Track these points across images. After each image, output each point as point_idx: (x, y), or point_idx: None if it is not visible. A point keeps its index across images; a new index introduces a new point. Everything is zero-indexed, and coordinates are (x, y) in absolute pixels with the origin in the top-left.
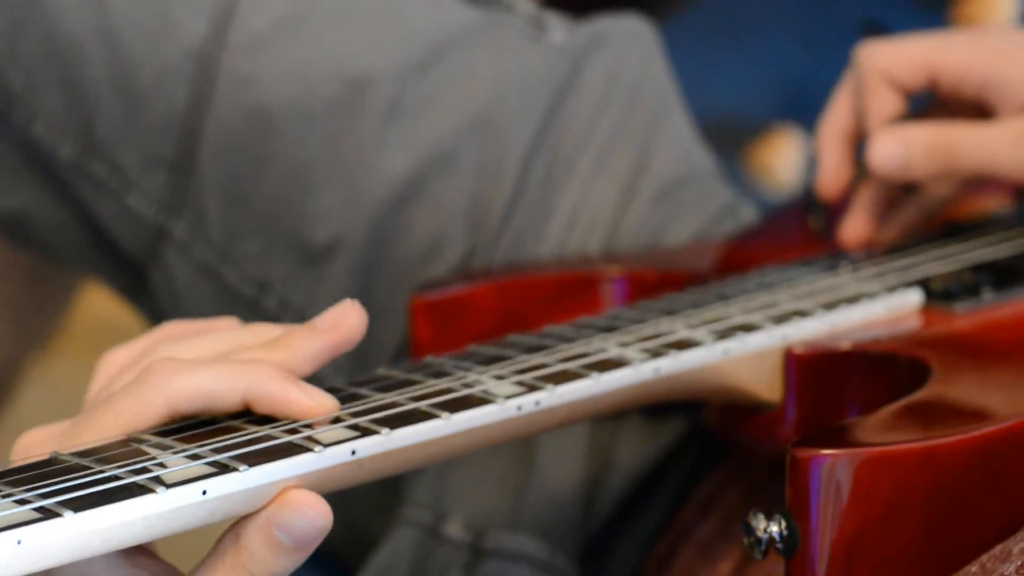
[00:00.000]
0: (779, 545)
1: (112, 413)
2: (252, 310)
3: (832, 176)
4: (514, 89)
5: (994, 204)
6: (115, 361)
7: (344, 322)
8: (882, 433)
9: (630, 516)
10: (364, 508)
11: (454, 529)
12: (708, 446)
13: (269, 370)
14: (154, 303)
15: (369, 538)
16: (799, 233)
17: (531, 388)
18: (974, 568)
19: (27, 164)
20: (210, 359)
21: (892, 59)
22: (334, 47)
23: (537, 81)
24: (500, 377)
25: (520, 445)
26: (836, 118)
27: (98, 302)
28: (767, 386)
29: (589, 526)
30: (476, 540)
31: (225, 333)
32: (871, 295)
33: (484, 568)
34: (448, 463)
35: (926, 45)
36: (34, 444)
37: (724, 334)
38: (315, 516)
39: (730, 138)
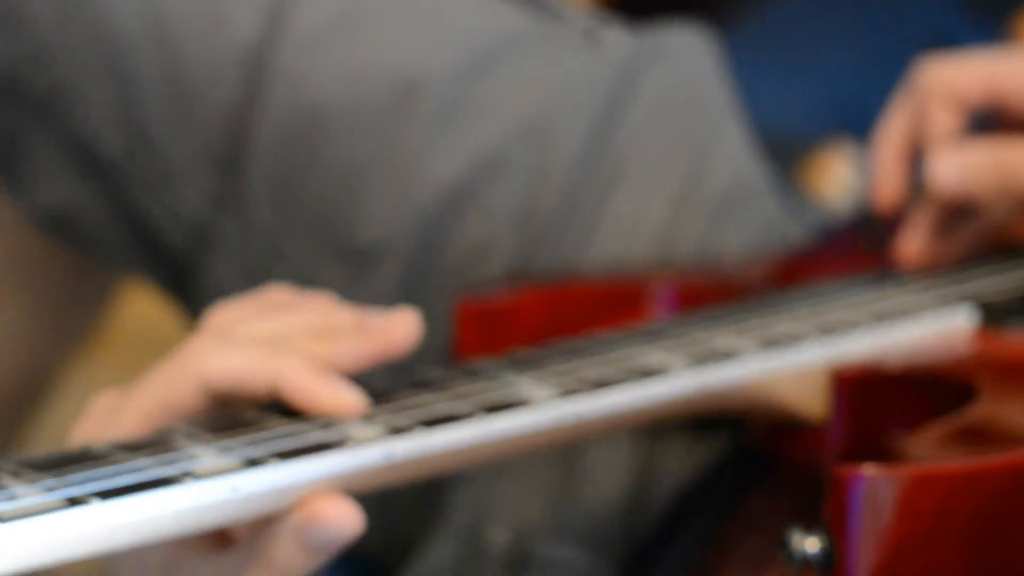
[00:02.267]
0: (816, 562)
1: (147, 385)
2: None
3: (887, 192)
4: (566, 97)
5: None
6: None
7: (397, 331)
8: (926, 452)
9: (673, 529)
10: (405, 512)
11: (496, 535)
12: (752, 461)
13: (302, 363)
14: (198, 302)
15: (408, 541)
16: (852, 250)
17: (571, 392)
18: None
19: (72, 159)
20: (252, 340)
21: (955, 76)
22: (387, 49)
23: (589, 90)
24: (540, 380)
25: (564, 455)
26: (893, 133)
27: (140, 308)
28: (812, 404)
29: (632, 538)
30: (519, 547)
31: (295, 313)
32: (921, 310)
33: (527, 573)
34: (492, 470)
35: (989, 63)
36: (102, 406)
37: (769, 342)
38: (345, 525)
39: (784, 153)
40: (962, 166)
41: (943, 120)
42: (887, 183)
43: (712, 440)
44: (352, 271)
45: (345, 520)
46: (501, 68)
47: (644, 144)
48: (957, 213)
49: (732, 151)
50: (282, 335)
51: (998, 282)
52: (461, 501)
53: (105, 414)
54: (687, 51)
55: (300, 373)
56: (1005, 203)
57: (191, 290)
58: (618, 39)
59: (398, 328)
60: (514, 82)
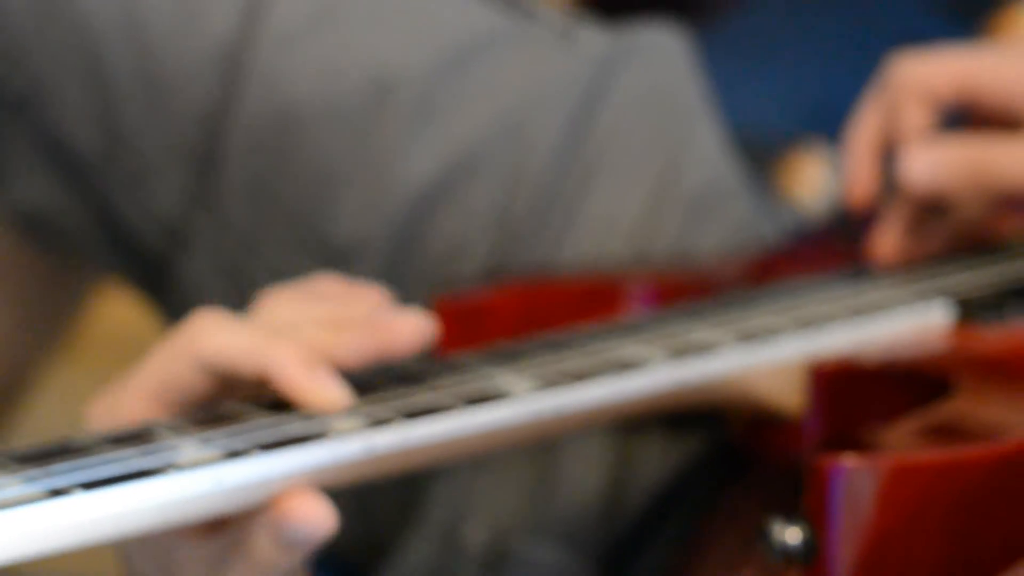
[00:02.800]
0: (798, 553)
1: (148, 362)
2: None
3: (860, 189)
4: (541, 95)
5: None
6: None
7: (402, 330)
8: (903, 445)
9: (652, 526)
10: (383, 513)
11: (474, 534)
12: (731, 457)
13: (292, 352)
14: (173, 301)
15: (386, 542)
16: (827, 249)
17: (550, 384)
18: None
19: (48, 158)
20: (257, 325)
21: (927, 72)
22: (363, 47)
23: (564, 88)
24: (520, 373)
25: (541, 453)
26: (865, 130)
27: (116, 311)
28: (789, 398)
29: (610, 535)
30: (496, 546)
31: (321, 303)
32: (897, 305)
33: (504, 571)
34: (469, 468)
35: (962, 59)
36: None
37: (746, 335)
38: (318, 523)
39: (759, 153)
40: (935, 163)
41: (916, 117)
42: (860, 180)
43: (689, 437)
44: (328, 269)
45: (317, 518)
46: (476, 66)
47: (619, 142)
48: (930, 210)
49: (706, 150)
50: (295, 323)
51: (973, 278)
52: (439, 500)
53: (113, 392)
54: (661, 51)
55: (288, 362)
56: (978, 200)
57: (166, 289)
58: (592, 38)
59: (403, 327)
60: (489, 80)
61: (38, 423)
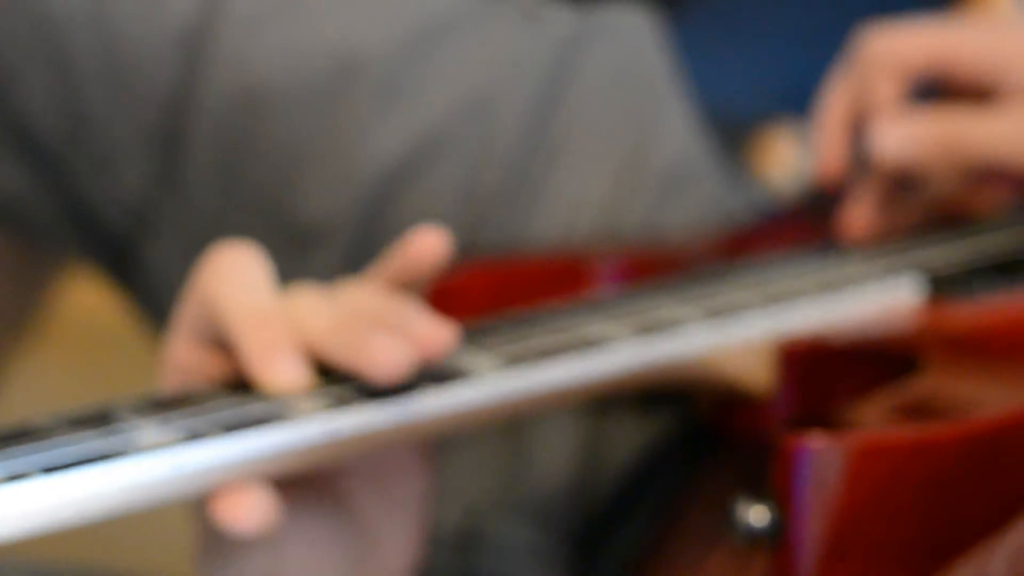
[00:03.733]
0: (764, 533)
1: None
2: None
3: (831, 163)
4: (507, 73)
5: (1001, 199)
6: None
7: (438, 339)
8: (872, 423)
9: (624, 506)
10: None
11: (446, 513)
12: (701, 437)
13: (273, 331)
14: (141, 284)
15: None
16: (798, 226)
17: (515, 361)
18: (967, 566)
19: (11, 143)
20: (265, 297)
21: (898, 45)
22: (326, 27)
23: (530, 66)
24: (484, 351)
25: (510, 433)
26: (835, 104)
27: (86, 302)
28: (757, 377)
29: (583, 516)
30: (468, 527)
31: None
32: (867, 280)
33: (477, 552)
34: (439, 449)
35: (933, 31)
36: None
37: (714, 311)
38: (250, 522)
39: (730, 132)
40: (906, 137)
41: (886, 90)
42: (830, 154)
43: (659, 417)
44: (295, 251)
45: (250, 516)
46: (441, 46)
47: (586, 121)
48: (902, 184)
49: (675, 129)
50: (309, 313)
51: (945, 253)
52: None
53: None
54: (629, 30)
55: (260, 340)
56: (950, 174)
57: (134, 273)
58: (558, 18)
59: (434, 335)
60: (454, 60)
61: (8, 412)
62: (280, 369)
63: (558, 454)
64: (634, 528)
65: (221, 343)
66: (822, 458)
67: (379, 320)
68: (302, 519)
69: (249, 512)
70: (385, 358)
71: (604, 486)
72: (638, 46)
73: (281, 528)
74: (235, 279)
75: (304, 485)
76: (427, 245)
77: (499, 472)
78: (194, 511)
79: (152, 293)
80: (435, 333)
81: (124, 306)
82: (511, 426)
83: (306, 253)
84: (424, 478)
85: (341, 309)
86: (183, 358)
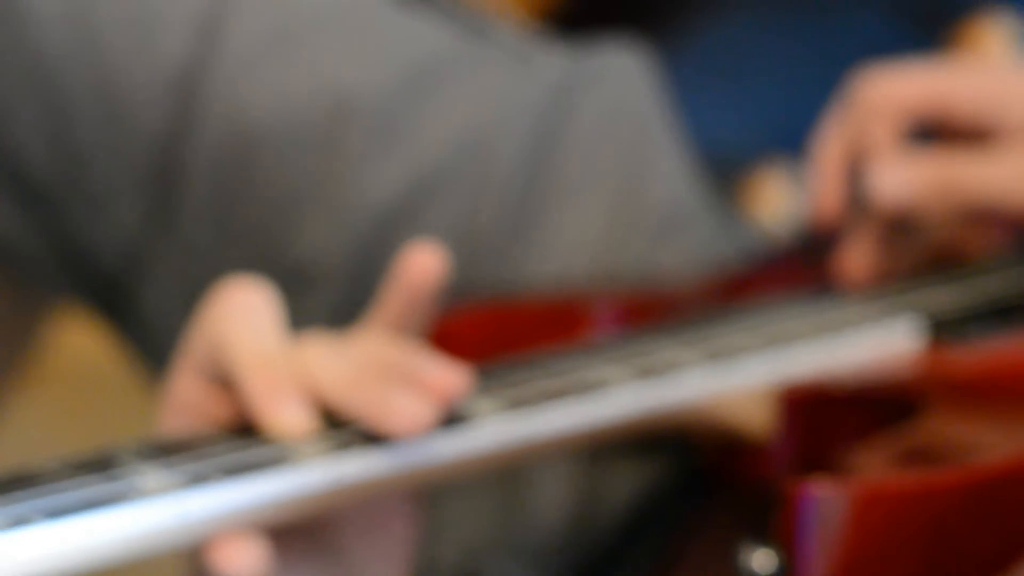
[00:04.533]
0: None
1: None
2: None
3: (827, 206)
4: (501, 115)
5: (998, 242)
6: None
7: (451, 385)
8: (875, 469)
9: (622, 551)
10: None
11: (445, 553)
12: (700, 482)
13: (279, 374)
14: (134, 326)
15: None
16: (793, 269)
17: (516, 405)
18: None
19: (1, 182)
20: (272, 340)
21: (896, 88)
22: (320, 68)
23: (524, 108)
24: (484, 394)
25: (509, 477)
26: (831, 146)
27: (79, 344)
28: (757, 423)
29: (581, 557)
30: (467, 564)
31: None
32: (865, 322)
33: None
34: (436, 493)
35: (930, 73)
36: None
37: (714, 354)
38: (250, 567)
39: (723, 173)
40: (904, 179)
41: (883, 132)
42: (827, 197)
43: (658, 461)
44: (291, 291)
45: (246, 563)
46: (435, 87)
47: (580, 163)
48: (899, 227)
49: (669, 171)
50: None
51: (944, 295)
52: None
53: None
54: (622, 72)
55: (261, 385)
56: (947, 216)
57: (127, 313)
58: (550, 62)
59: (455, 383)
60: (449, 101)
61: (2, 454)
62: (284, 412)
63: (555, 496)
64: (633, 571)
65: (225, 382)
66: (827, 505)
67: (392, 371)
68: (291, 564)
69: (246, 559)
70: (407, 415)
71: (602, 528)
72: (630, 88)
73: (271, 572)
74: (243, 319)
75: (295, 530)
76: (424, 263)
77: (497, 513)
78: (185, 555)
79: (146, 334)
80: (450, 380)
81: (117, 348)
82: (509, 469)
83: (302, 293)
84: (414, 524)
85: (354, 360)
86: (186, 396)
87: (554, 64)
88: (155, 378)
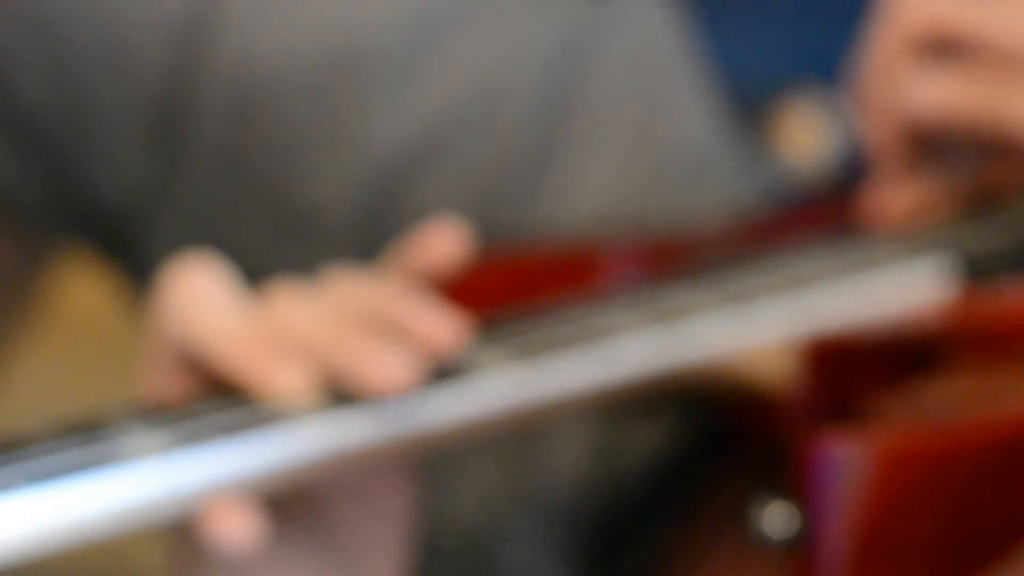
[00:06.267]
0: (789, 533)
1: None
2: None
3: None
4: (516, 64)
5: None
6: None
7: (442, 334)
8: (899, 422)
9: (645, 505)
10: None
11: (465, 505)
12: (720, 438)
13: (261, 350)
14: (141, 265)
15: None
16: (824, 211)
17: (525, 354)
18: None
19: (2, 124)
20: (235, 315)
21: (932, 8)
22: (334, 13)
23: (541, 56)
24: (492, 344)
25: (525, 439)
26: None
27: (83, 297)
28: (777, 378)
29: (603, 514)
30: (487, 517)
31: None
32: (893, 263)
33: (497, 545)
34: (452, 459)
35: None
36: None
37: (732, 296)
38: (234, 541)
39: (753, 105)
40: (942, 95)
41: (917, 49)
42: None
43: (677, 420)
44: (300, 242)
45: (240, 533)
46: (449, 33)
47: (599, 110)
48: (929, 160)
49: (691, 118)
50: (301, 320)
51: (978, 235)
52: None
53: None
54: (643, 18)
55: (241, 363)
56: (973, 146)
57: (135, 258)
58: (566, 5)
59: (439, 329)
60: (462, 48)
61: (6, 408)
62: (274, 377)
63: (573, 453)
64: (655, 529)
65: (205, 370)
66: (848, 461)
67: (377, 319)
68: (285, 538)
69: (240, 528)
70: (390, 371)
71: (622, 487)
72: (651, 35)
73: (265, 546)
74: (200, 305)
75: (289, 503)
76: (443, 240)
77: (515, 470)
78: (172, 531)
79: (152, 275)
80: (441, 330)
81: (122, 299)
82: (526, 429)
83: (311, 241)
84: (409, 491)
85: (333, 308)
86: (165, 391)
87: (570, 9)
88: None
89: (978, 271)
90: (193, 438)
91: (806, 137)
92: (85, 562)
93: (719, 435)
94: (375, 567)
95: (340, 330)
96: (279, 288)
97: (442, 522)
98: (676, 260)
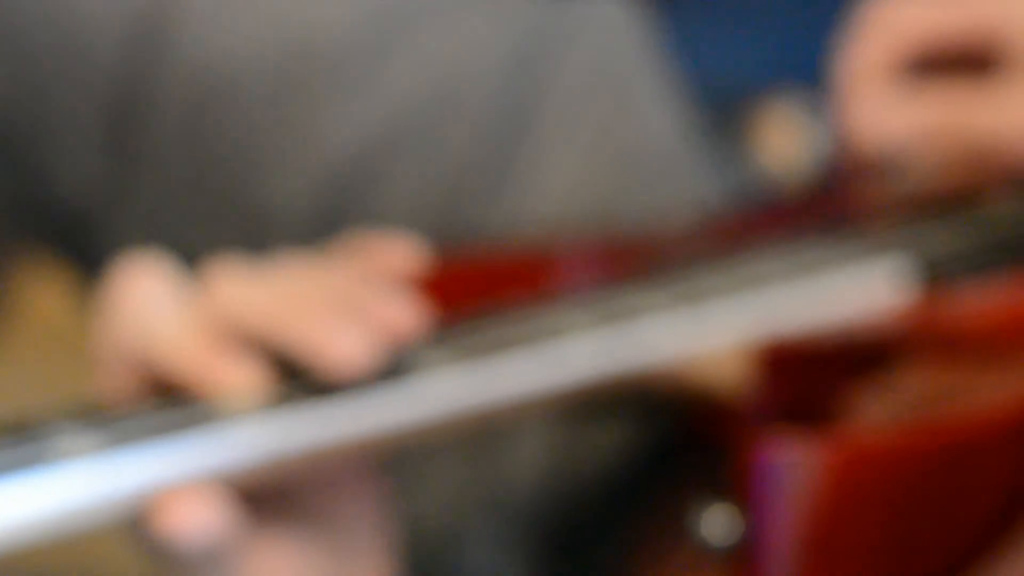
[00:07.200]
0: (727, 540)
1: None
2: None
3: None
4: (474, 63)
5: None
6: None
7: (400, 318)
8: (847, 427)
9: (603, 511)
10: None
11: (425, 507)
12: (681, 441)
13: (197, 350)
14: (98, 264)
15: None
16: (791, 214)
17: (471, 353)
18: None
19: None
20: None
21: (907, 17)
22: (286, 9)
23: (499, 57)
24: (438, 344)
25: (483, 440)
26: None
27: (48, 305)
28: (728, 382)
29: (562, 518)
30: (448, 520)
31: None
32: (849, 263)
33: (457, 548)
34: (412, 460)
35: (941, 4)
36: None
37: (682, 296)
38: (194, 530)
39: (730, 108)
40: (906, 123)
41: (887, 63)
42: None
43: (638, 423)
44: (258, 239)
45: (194, 524)
46: (404, 31)
47: (560, 113)
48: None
49: (655, 121)
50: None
51: (937, 234)
52: None
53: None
54: (606, 22)
55: (189, 362)
56: (946, 160)
57: (95, 258)
58: (527, 7)
59: (398, 312)
60: (422, 46)
61: None
62: (225, 376)
63: (532, 455)
64: (615, 531)
65: (152, 370)
66: (792, 465)
67: (331, 299)
68: (264, 526)
69: (199, 516)
70: (342, 346)
71: (584, 488)
72: (614, 35)
73: (239, 536)
74: (144, 306)
75: (269, 496)
76: (394, 254)
77: (476, 471)
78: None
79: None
80: (399, 313)
81: (82, 299)
82: (478, 431)
83: (270, 241)
84: (382, 484)
85: (284, 288)
86: (117, 393)
87: (532, 11)
88: None
89: (938, 273)
90: (127, 439)
91: (783, 140)
92: (64, 562)
93: (678, 439)
94: (364, 553)
95: (290, 308)
96: (224, 272)
97: (402, 524)
98: (637, 262)
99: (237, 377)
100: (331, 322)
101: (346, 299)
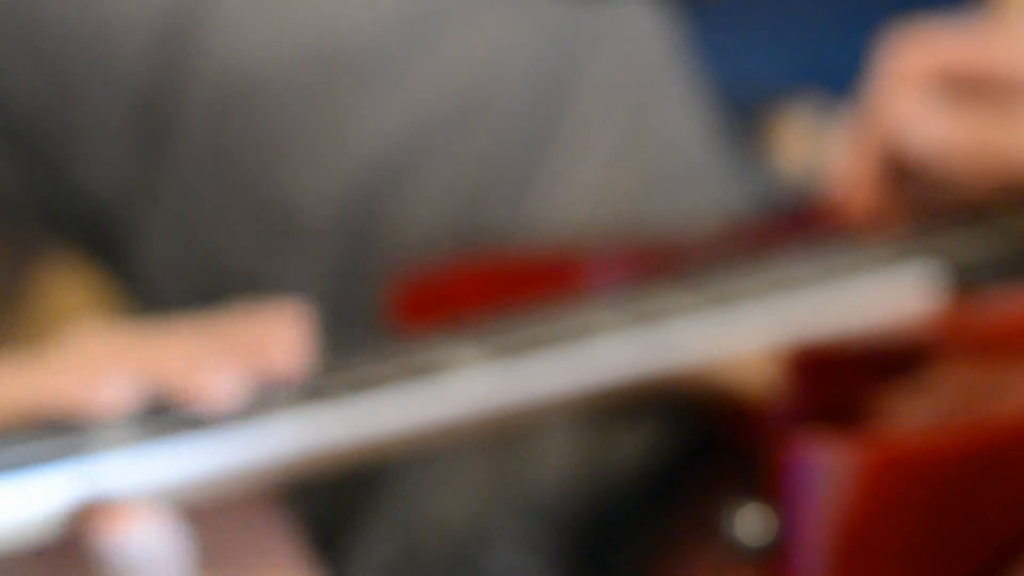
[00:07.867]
0: (761, 541)
1: None
2: (223, 281)
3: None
4: (503, 67)
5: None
6: None
7: (279, 349)
8: (880, 430)
9: (630, 513)
10: (324, 504)
11: (434, 534)
12: (709, 443)
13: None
14: (130, 269)
15: (329, 537)
16: (811, 219)
17: (501, 352)
18: None
19: None
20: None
21: (934, 52)
22: (322, 10)
23: (527, 61)
24: (468, 343)
25: (509, 442)
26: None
27: (67, 297)
28: (762, 383)
29: (590, 520)
30: (458, 548)
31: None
32: (876, 266)
33: (486, 548)
34: (425, 462)
35: (969, 38)
36: None
37: (714, 299)
38: (140, 542)
39: (750, 112)
40: (943, 137)
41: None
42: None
43: (666, 425)
44: (285, 238)
45: (139, 536)
46: (436, 36)
47: (587, 117)
48: (904, 175)
49: (681, 126)
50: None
51: (967, 241)
52: (392, 495)
53: None
54: (633, 26)
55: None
56: (973, 178)
57: (123, 258)
58: (556, 10)
59: (279, 345)
60: (451, 48)
61: None
62: (99, 395)
63: (560, 457)
64: (641, 533)
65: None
66: (825, 467)
67: (218, 344)
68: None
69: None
70: (214, 387)
71: (611, 490)
72: (641, 39)
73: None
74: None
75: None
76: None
77: (503, 471)
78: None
79: (142, 278)
80: (281, 352)
81: (107, 297)
82: (505, 430)
83: (297, 243)
84: (284, 521)
85: (170, 336)
86: None
87: (558, 17)
88: (144, 317)
89: (966, 279)
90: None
91: (802, 145)
92: None
93: (706, 441)
94: None
95: (171, 351)
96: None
97: (428, 524)
98: (665, 264)
99: (108, 399)
100: (207, 365)
101: (233, 342)
